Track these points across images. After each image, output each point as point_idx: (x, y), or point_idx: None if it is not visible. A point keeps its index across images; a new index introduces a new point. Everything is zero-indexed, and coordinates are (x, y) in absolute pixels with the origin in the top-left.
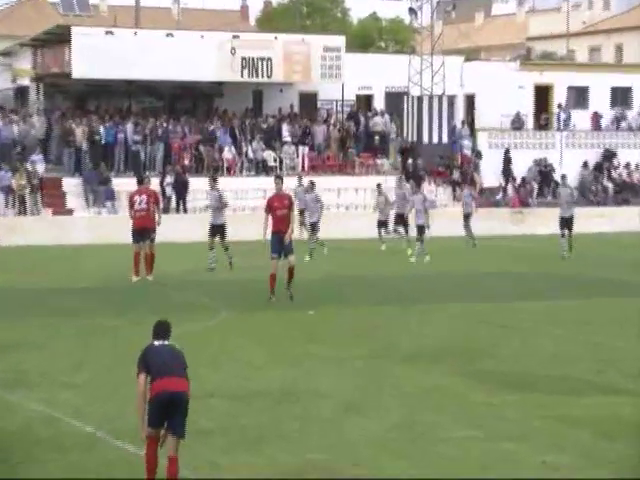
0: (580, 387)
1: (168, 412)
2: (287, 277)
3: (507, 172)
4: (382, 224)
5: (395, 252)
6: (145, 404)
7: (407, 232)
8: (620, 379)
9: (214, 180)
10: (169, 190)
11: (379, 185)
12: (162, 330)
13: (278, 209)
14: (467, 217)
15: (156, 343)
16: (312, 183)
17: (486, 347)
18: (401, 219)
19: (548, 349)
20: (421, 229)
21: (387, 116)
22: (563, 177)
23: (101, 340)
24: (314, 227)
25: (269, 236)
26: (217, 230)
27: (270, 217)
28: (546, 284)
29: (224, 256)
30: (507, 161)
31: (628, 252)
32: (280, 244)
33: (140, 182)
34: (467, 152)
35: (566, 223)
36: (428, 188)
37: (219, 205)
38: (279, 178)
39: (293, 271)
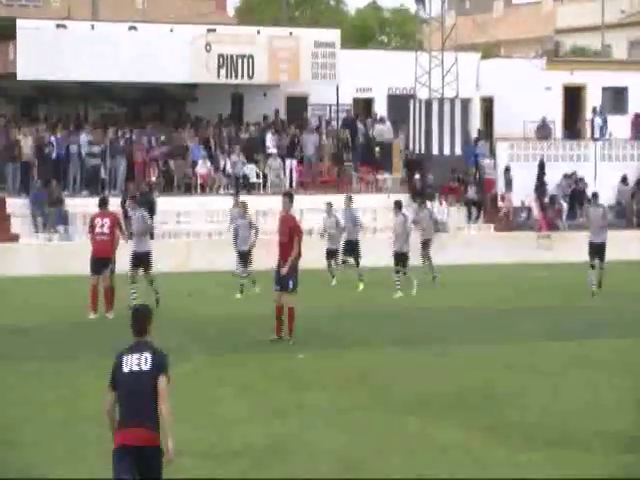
0: (620, 443)
1: (137, 468)
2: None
3: (541, 190)
4: (332, 254)
5: (406, 285)
6: (115, 424)
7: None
8: None
9: (134, 198)
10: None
11: (329, 204)
12: (137, 326)
13: (279, 234)
14: (426, 244)
15: (124, 360)
16: (243, 204)
17: (509, 395)
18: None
19: (582, 397)
20: (402, 257)
21: (388, 123)
22: (594, 195)
23: (49, 390)
24: (245, 257)
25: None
26: (140, 259)
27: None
28: (579, 320)
29: (151, 290)
30: (541, 177)
31: None
32: (278, 275)
33: (103, 205)
34: (489, 172)
35: (597, 251)
36: (439, 208)
37: (144, 228)
38: (288, 196)
39: (292, 313)
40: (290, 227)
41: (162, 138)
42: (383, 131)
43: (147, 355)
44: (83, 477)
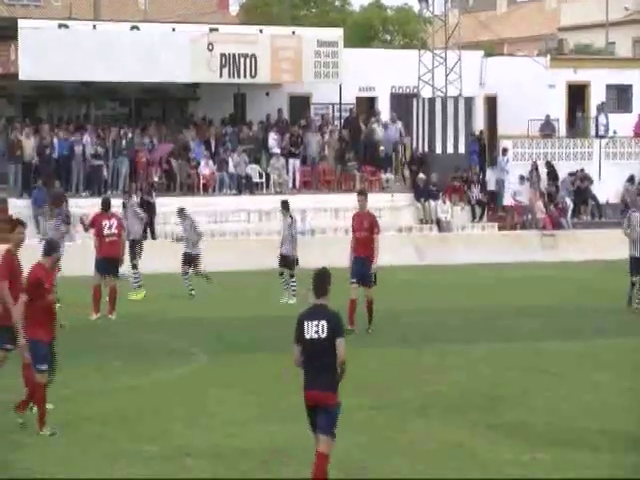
0: (623, 443)
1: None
2: (366, 314)
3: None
4: (189, 260)
5: (409, 285)
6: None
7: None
8: None
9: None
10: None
11: (182, 210)
12: (320, 286)
13: (357, 230)
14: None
15: (305, 325)
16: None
17: (514, 395)
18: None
19: (587, 398)
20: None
21: (399, 123)
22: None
23: (52, 392)
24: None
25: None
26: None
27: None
28: (583, 320)
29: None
30: (552, 174)
31: None
32: (359, 269)
33: (106, 207)
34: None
35: (637, 265)
36: (443, 207)
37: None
38: (362, 194)
39: (371, 306)
40: (370, 223)
41: (164, 139)
42: (379, 130)
43: (323, 323)
44: (84, 477)
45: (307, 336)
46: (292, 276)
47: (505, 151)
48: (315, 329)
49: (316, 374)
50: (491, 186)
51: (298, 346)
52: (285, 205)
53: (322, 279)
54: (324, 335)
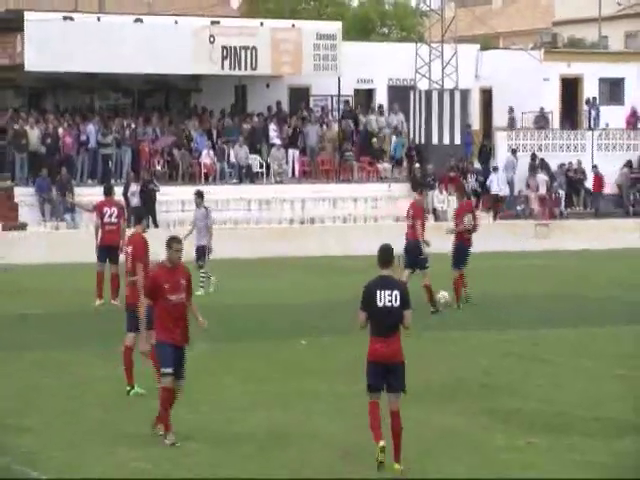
0: (617, 429)
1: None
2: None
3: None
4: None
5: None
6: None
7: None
8: None
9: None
10: (135, 201)
11: (200, 194)
12: (385, 258)
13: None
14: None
15: (378, 294)
16: (200, 194)
17: (507, 382)
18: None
19: (579, 385)
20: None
21: (401, 114)
22: None
23: (55, 377)
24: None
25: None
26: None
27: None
28: (577, 308)
29: None
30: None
31: None
32: (411, 256)
33: (108, 193)
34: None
35: None
36: (439, 197)
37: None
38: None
39: (430, 289)
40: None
41: (167, 129)
42: (374, 121)
43: (397, 292)
44: (86, 462)
45: (380, 304)
46: (201, 267)
47: (514, 152)
48: (389, 298)
49: (386, 338)
50: (497, 187)
51: (364, 312)
52: (199, 195)
53: (387, 252)
54: (397, 304)
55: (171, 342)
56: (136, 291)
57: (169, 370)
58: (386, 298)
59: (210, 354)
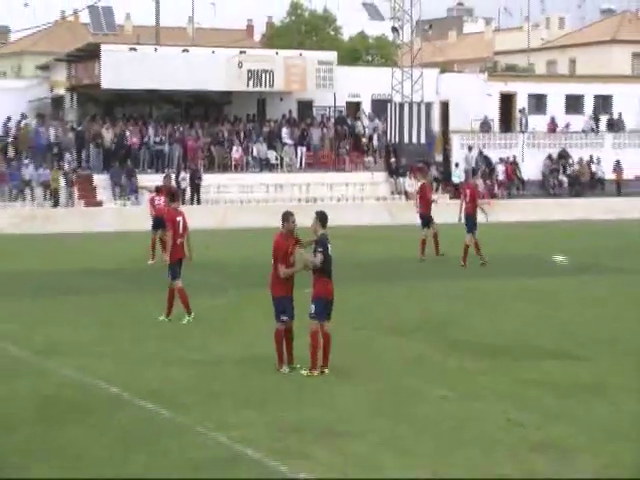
0: (542, 354)
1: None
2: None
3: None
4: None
5: (384, 239)
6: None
7: None
8: (577, 348)
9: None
10: (184, 184)
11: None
12: (324, 221)
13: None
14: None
15: (328, 245)
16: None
17: (461, 320)
18: None
19: (514, 322)
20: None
21: (377, 121)
22: None
23: (123, 314)
24: None
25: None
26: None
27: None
28: (513, 264)
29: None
30: (487, 160)
31: (586, 239)
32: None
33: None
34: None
35: None
36: (409, 182)
37: None
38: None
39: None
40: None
41: (206, 131)
42: (359, 125)
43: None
44: (145, 377)
45: (330, 252)
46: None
47: (470, 149)
48: (330, 248)
49: (331, 278)
50: (457, 178)
51: (322, 255)
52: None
53: (325, 216)
54: (331, 253)
55: (285, 294)
56: (178, 248)
57: (285, 318)
58: (330, 248)
59: (238, 298)
